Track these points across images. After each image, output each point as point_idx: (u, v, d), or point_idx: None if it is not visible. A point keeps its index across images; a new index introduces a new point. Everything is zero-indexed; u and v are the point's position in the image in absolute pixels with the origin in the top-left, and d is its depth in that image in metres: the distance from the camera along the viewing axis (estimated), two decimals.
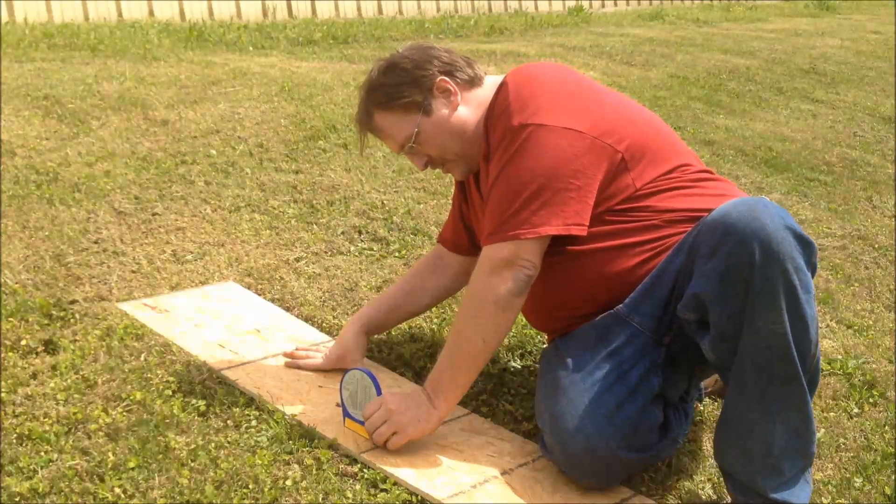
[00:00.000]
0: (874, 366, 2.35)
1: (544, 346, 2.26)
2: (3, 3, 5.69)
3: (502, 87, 1.80)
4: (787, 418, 1.59)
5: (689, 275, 1.65)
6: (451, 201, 2.24)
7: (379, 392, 1.79)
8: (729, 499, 1.71)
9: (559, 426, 1.69)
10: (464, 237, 2.13)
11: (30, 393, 1.86)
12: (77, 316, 2.19)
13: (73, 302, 2.25)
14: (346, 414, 1.84)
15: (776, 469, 1.60)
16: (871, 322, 2.63)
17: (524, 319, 2.31)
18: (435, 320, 2.38)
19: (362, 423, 1.79)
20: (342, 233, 2.84)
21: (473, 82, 1.90)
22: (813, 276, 1.59)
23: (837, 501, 1.81)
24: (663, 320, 1.73)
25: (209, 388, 1.95)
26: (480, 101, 1.88)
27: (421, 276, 2.18)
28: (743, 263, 1.52)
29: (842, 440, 2.02)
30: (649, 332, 1.74)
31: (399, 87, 1.85)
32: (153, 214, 2.80)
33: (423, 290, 2.16)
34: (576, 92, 1.81)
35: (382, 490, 1.67)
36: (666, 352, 1.75)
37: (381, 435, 1.75)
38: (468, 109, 1.87)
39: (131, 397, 1.88)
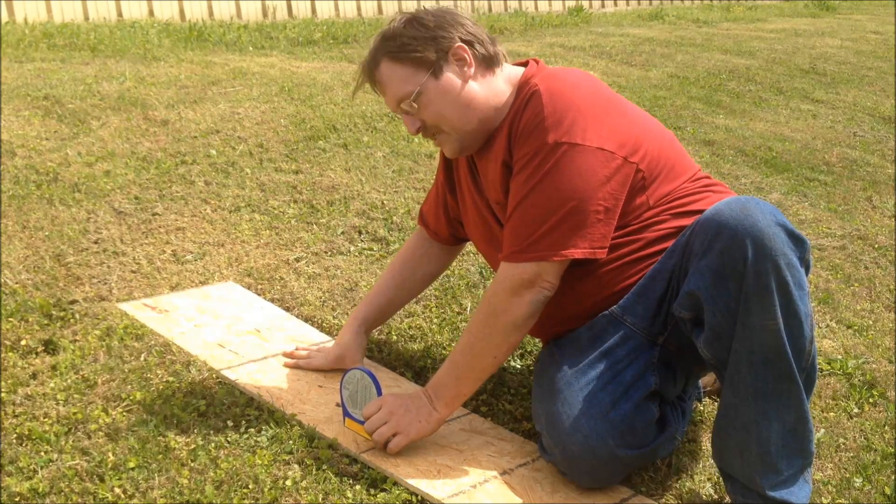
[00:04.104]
0: (874, 366, 2.35)
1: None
2: (3, 3, 5.69)
3: (534, 95, 1.73)
4: (783, 417, 1.59)
5: (683, 275, 1.66)
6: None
7: (379, 392, 1.79)
8: (729, 498, 1.71)
9: (556, 427, 1.69)
10: (444, 228, 2.13)
11: (30, 393, 1.86)
12: (77, 316, 2.19)
13: (73, 302, 2.26)
14: (346, 414, 1.84)
15: (773, 468, 1.60)
16: (871, 322, 2.63)
17: None
18: (435, 320, 2.38)
19: (362, 422, 1.79)
20: (342, 233, 2.84)
21: (492, 62, 1.83)
22: (807, 274, 1.59)
23: (837, 501, 1.81)
24: (657, 321, 1.74)
25: (209, 388, 1.95)
26: (494, 87, 1.82)
27: (411, 268, 2.18)
28: (736, 260, 1.53)
29: (842, 440, 2.02)
30: (643, 332, 1.74)
31: (415, 40, 1.77)
32: (153, 214, 2.80)
33: (413, 280, 2.18)
34: (605, 106, 1.76)
35: (382, 490, 1.67)
36: (661, 352, 1.75)
37: (382, 435, 1.75)
38: (479, 88, 1.81)
39: (131, 397, 1.88)
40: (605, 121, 1.72)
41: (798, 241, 1.55)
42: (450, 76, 1.79)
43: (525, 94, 1.76)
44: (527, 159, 1.71)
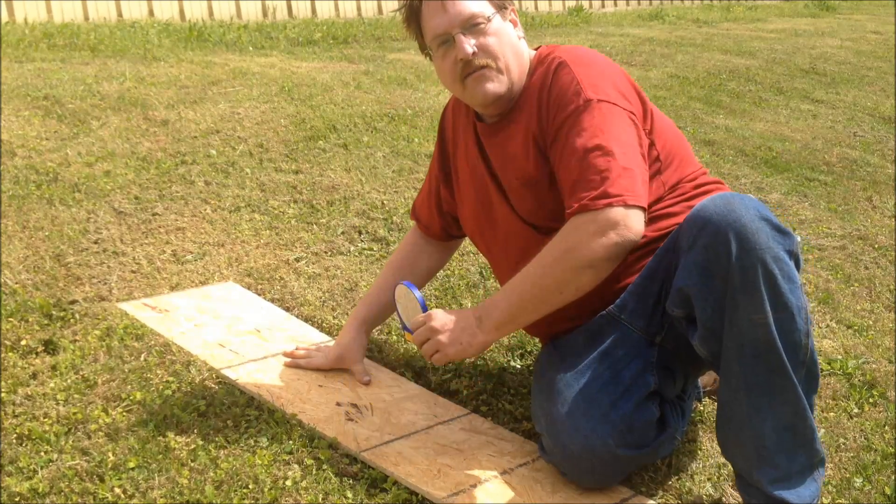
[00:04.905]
0: (874, 366, 2.35)
1: None
2: (3, 3, 5.69)
3: (560, 65, 1.75)
4: (778, 411, 1.58)
5: (674, 272, 1.66)
6: None
7: (424, 308, 1.78)
8: (729, 498, 1.71)
9: (556, 427, 1.69)
10: (437, 222, 2.13)
11: (30, 393, 1.86)
12: (77, 316, 2.19)
13: (73, 302, 2.26)
14: (403, 327, 1.85)
15: (770, 462, 1.59)
16: (871, 322, 2.63)
17: None
18: None
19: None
20: (342, 233, 2.84)
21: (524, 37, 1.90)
22: (798, 268, 1.59)
23: (837, 501, 1.81)
24: (654, 320, 1.74)
25: (209, 388, 1.95)
26: (525, 58, 1.84)
27: (409, 265, 2.16)
28: (720, 255, 1.53)
29: (842, 440, 2.02)
30: (640, 332, 1.74)
31: None
32: (153, 214, 2.80)
33: (412, 277, 2.15)
34: (625, 81, 1.81)
35: (382, 490, 1.67)
36: (659, 351, 1.75)
37: (426, 352, 1.74)
38: (524, 50, 1.85)
39: (131, 397, 1.88)
40: (628, 94, 1.77)
41: (784, 234, 1.55)
42: (511, 26, 1.84)
43: (550, 67, 1.78)
44: (572, 119, 1.70)
